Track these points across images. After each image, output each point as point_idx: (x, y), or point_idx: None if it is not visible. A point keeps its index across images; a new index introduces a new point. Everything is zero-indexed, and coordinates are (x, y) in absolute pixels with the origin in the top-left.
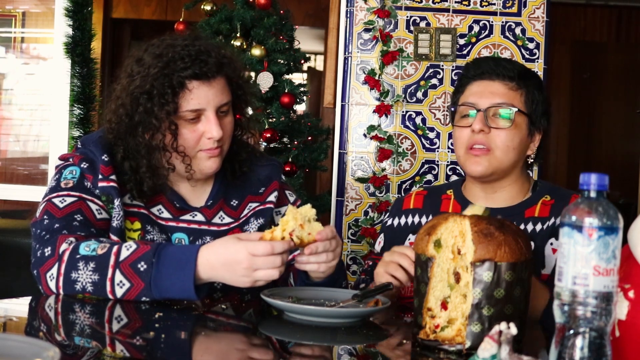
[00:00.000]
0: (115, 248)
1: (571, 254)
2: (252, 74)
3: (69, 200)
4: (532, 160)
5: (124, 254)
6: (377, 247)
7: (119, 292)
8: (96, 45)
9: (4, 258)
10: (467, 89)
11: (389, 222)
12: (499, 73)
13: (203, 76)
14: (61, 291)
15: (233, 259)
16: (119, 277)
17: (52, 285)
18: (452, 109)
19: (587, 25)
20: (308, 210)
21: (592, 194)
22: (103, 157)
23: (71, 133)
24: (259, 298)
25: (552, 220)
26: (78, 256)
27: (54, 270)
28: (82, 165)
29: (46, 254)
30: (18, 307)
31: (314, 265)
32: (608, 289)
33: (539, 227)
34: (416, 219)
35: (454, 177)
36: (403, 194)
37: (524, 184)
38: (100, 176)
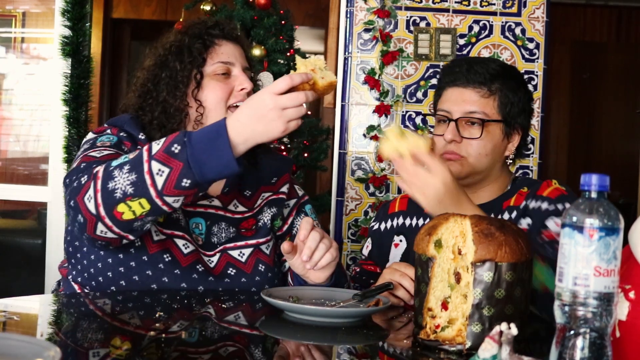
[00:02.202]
0: (145, 146)
1: (572, 255)
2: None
3: (106, 152)
4: (511, 161)
5: (155, 148)
6: (365, 252)
7: (160, 181)
8: (96, 45)
9: (4, 258)
10: (443, 95)
11: (376, 227)
12: (469, 79)
13: (229, 37)
14: (101, 210)
15: (259, 106)
16: (156, 166)
17: (91, 206)
18: (429, 115)
19: (587, 25)
20: (317, 60)
21: (593, 195)
22: (140, 136)
23: (64, 133)
24: (259, 298)
25: (524, 203)
26: (111, 168)
27: (90, 191)
28: (120, 134)
29: (82, 182)
30: (18, 306)
31: (325, 257)
32: (609, 289)
33: (514, 214)
34: (400, 221)
35: None
36: (390, 199)
37: (504, 180)
38: (138, 147)
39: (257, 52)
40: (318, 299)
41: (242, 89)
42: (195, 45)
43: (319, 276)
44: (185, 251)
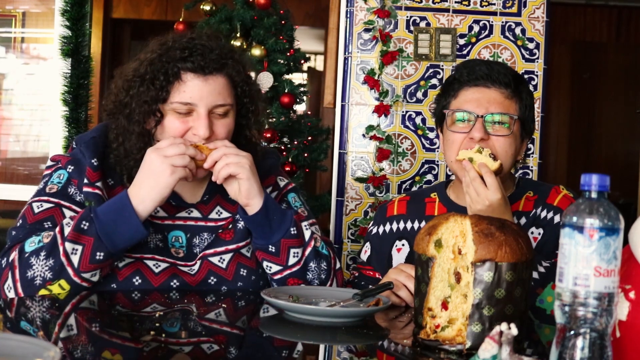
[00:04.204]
0: (57, 229)
1: (572, 255)
2: (252, 74)
3: (46, 206)
4: (521, 165)
5: (66, 230)
6: (363, 257)
7: (75, 259)
8: (96, 45)
9: None
10: (460, 95)
11: (374, 231)
12: (494, 79)
13: (199, 70)
14: (22, 296)
15: (146, 162)
16: (69, 246)
17: (11, 295)
18: (445, 112)
19: (587, 25)
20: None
21: (593, 195)
22: (92, 161)
23: (63, 133)
24: (258, 298)
25: (534, 211)
26: (27, 254)
27: (9, 281)
28: (68, 169)
29: (2, 266)
30: (18, 306)
31: (227, 168)
32: (609, 289)
33: (523, 220)
34: (401, 225)
35: (454, 178)
36: (388, 201)
37: (509, 182)
38: (85, 180)
39: (257, 52)
40: (318, 298)
41: (195, 135)
42: (156, 80)
43: (230, 188)
44: (157, 270)
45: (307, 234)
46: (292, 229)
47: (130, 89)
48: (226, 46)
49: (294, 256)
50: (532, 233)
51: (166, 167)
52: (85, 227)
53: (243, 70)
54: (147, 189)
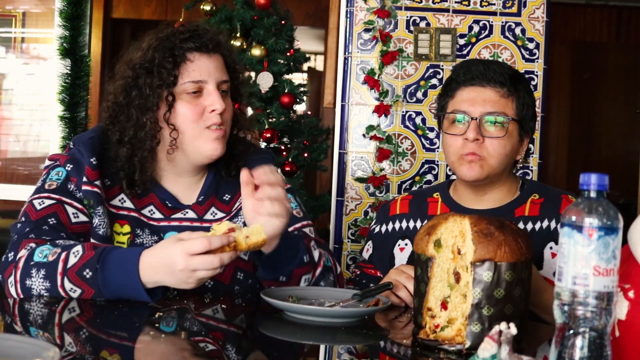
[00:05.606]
0: (63, 255)
1: (571, 254)
2: (252, 74)
3: (48, 202)
4: (521, 165)
5: (72, 261)
6: (365, 255)
7: (75, 295)
8: (96, 45)
9: None
10: (457, 95)
11: (377, 229)
12: (489, 78)
13: (204, 48)
14: (22, 296)
15: (171, 261)
16: (68, 284)
17: (12, 291)
18: (441, 114)
19: (587, 25)
20: (235, 224)
21: (593, 194)
22: (91, 160)
23: (62, 133)
24: (258, 298)
25: (547, 222)
26: (32, 263)
27: (11, 278)
28: (67, 167)
29: (9, 259)
30: (17, 306)
31: (275, 206)
32: (608, 289)
33: (529, 226)
34: (404, 224)
35: (453, 177)
36: (390, 200)
37: (512, 184)
38: (84, 179)
39: (257, 52)
40: (318, 298)
41: (212, 111)
42: (165, 63)
43: (267, 224)
44: None
45: (316, 255)
46: (304, 257)
47: (139, 78)
48: (213, 29)
49: (304, 282)
50: (550, 248)
51: (192, 281)
52: (88, 276)
53: (232, 52)
54: (162, 280)
